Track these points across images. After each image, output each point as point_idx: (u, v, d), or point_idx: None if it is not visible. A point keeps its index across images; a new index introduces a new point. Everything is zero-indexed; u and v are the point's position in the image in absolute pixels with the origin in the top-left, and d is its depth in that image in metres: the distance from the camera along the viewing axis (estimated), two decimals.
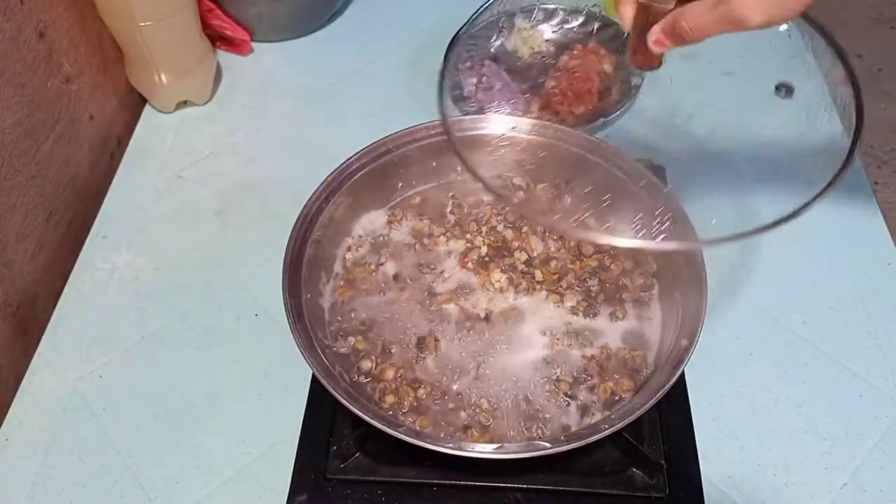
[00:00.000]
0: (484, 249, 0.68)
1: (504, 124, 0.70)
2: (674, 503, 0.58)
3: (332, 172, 0.65)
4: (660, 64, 0.53)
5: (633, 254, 0.67)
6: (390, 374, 0.60)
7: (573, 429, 0.57)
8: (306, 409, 0.63)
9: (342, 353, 0.61)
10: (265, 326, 0.72)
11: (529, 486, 0.59)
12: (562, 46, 0.98)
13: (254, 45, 1.00)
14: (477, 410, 0.58)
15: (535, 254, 0.67)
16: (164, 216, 0.83)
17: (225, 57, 0.99)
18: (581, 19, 0.99)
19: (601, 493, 0.59)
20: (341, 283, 0.66)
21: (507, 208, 0.70)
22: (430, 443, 0.50)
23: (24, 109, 0.74)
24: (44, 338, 0.73)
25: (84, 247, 0.80)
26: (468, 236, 0.68)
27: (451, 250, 0.68)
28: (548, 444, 0.50)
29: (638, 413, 0.51)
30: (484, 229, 0.69)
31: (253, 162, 0.88)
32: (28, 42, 0.74)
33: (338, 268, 0.67)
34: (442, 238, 0.68)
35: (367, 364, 0.60)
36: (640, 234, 0.61)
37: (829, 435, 0.64)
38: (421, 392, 0.59)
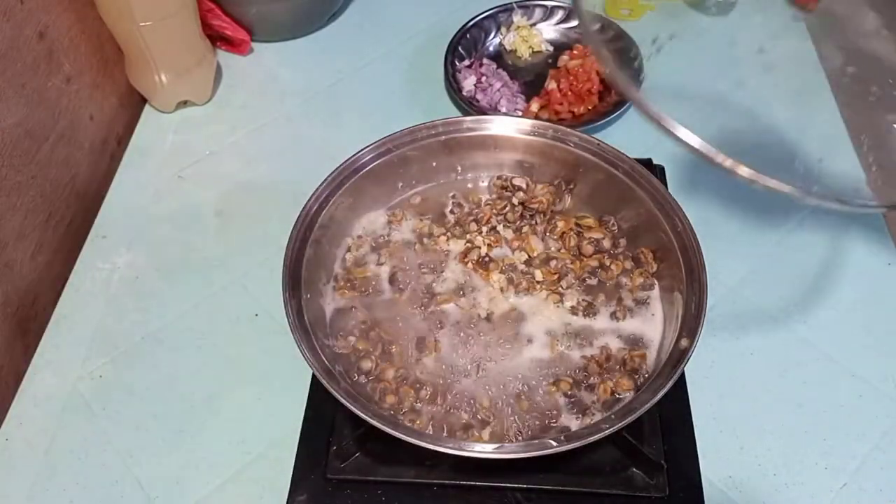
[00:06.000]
0: (484, 249, 0.68)
1: (504, 124, 0.70)
2: (674, 503, 0.58)
3: (332, 172, 0.65)
4: (815, 5, 0.52)
5: (633, 254, 0.67)
6: (390, 374, 0.60)
7: (573, 429, 0.57)
8: (306, 409, 0.64)
9: (342, 353, 0.61)
10: (265, 326, 0.72)
11: (529, 486, 0.59)
12: (562, 46, 0.98)
13: (254, 45, 1.00)
14: (477, 410, 0.58)
15: (535, 254, 0.67)
16: (164, 216, 0.83)
17: (225, 57, 0.99)
18: None
19: (601, 493, 0.59)
20: (341, 283, 0.66)
21: (507, 208, 0.70)
22: (430, 443, 0.50)
23: (24, 109, 0.74)
24: (44, 338, 0.73)
25: (84, 247, 0.80)
26: (468, 236, 0.68)
27: (451, 250, 0.68)
28: (548, 444, 0.50)
29: (638, 413, 0.51)
30: (484, 229, 0.69)
31: (253, 162, 0.88)
32: (28, 42, 0.74)
33: (338, 268, 0.67)
34: (442, 238, 0.68)
35: (367, 364, 0.60)
36: None
37: (829, 435, 0.64)
38: (421, 392, 0.59)
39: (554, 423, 0.58)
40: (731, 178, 0.85)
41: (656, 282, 0.65)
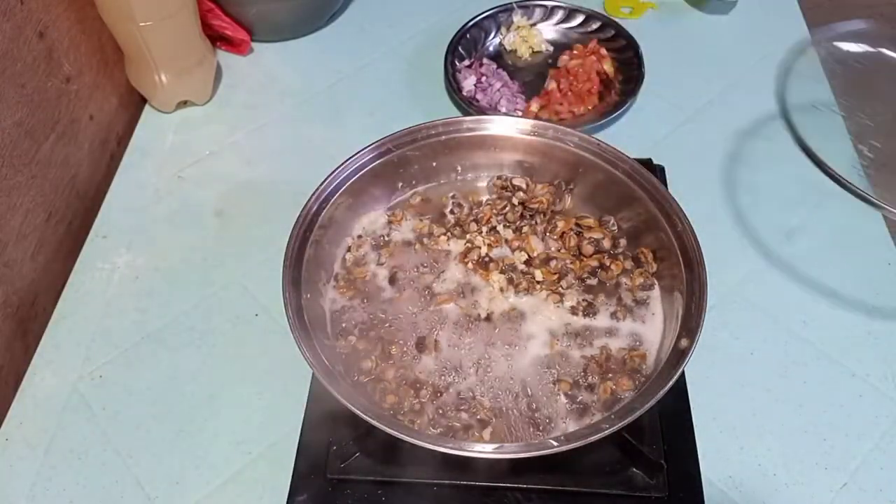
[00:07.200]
0: (484, 249, 0.68)
1: (504, 124, 0.70)
2: (674, 503, 0.58)
3: (332, 172, 0.65)
4: None
5: (633, 254, 0.67)
6: (390, 374, 0.60)
7: (573, 429, 0.57)
8: (306, 409, 0.63)
9: (342, 353, 0.61)
10: (265, 326, 0.72)
11: (529, 486, 0.59)
12: (562, 46, 0.98)
13: (254, 45, 1.00)
14: (477, 410, 0.58)
15: (535, 254, 0.67)
16: (164, 216, 0.83)
17: (225, 57, 0.99)
18: (581, 19, 0.99)
19: (601, 493, 0.59)
20: (341, 283, 0.66)
21: (507, 208, 0.70)
22: (430, 443, 0.50)
23: (24, 109, 0.74)
24: (44, 338, 0.73)
25: (84, 247, 0.80)
26: (468, 236, 0.68)
27: (451, 250, 0.68)
28: (548, 444, 0.50)
29: (638, 413, 0.51)
30: (484, 229, 0.69)
31: (253, 162, 0.88)
32: (28, 42, 0.74)
33: (338, 268, 0.67)
34: (442, 238, 0.68)
35: (367, 364, 0.60)
36: None
37: (829, 435, 0.64)
38: (421, 392, 0.59)
39: (554, 422, 0.58)
40: (728, 178, 0.85)
41: (656, 282, 0.65)
